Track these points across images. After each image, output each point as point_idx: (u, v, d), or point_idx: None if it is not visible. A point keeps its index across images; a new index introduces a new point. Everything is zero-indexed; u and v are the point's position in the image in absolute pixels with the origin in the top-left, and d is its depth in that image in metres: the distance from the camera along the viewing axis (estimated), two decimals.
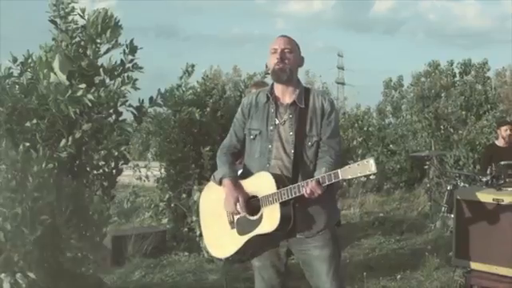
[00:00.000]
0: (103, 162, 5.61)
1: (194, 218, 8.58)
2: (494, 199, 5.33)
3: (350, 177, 3.88)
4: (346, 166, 3.85)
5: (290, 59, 4.21)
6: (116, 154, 5.58)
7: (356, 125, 18.51)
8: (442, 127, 16.33)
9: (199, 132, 9.70)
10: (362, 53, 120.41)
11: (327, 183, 3.89)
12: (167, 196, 9.88)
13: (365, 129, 18.47)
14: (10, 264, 5.09)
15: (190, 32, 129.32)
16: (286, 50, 4.20)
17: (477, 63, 20.51)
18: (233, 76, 39.69)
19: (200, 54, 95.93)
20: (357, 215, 12.29)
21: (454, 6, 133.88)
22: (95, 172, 5.63)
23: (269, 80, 9.41)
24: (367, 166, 3.77)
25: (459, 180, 11.29)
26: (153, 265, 7.99)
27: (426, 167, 13.65)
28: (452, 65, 20.72)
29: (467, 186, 10.57)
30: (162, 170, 10.04)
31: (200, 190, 8.27)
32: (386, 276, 7.29)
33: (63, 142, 5.16)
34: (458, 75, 20.33)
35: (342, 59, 72.55)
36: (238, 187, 4.17)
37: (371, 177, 3.62)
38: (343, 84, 68.57)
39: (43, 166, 5.03)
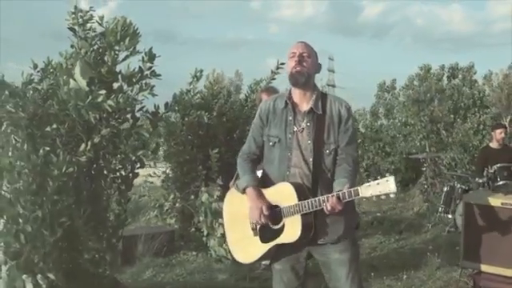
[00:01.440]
0: (120, 166, 5.63)
1: (201, 219, 8.55)
2: (502, 203, 5.30)
3: (370, 195, 3.79)
4: (366, 184, 3.78)
5: (308, 63, 4.14)
6: (133, 158, 5.56)
7: None
8: (435, 130, 16.33)
9: (206, 134, 9.70)
10: (351, 56, 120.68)
11: (347, 199, 3.83)
12: (172, 196, 9.86)
13: (361, 131, 18.48)
14: (31, 265, 5.07)
15: (186, 36, 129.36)
16: (304, 55, 4.12)
17: (464, 67, 20.59)
18: (235, 80, 39.78)
19: (196, 58, 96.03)
20: None
21: (440, 11, 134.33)
22: (112, 175, 5.62)
23: (275, 84, 9.47)
24: (388, 186, 3.71)
25: (455, 181, 11.32)
26: (163, 264, 7.93)
27: (424, 169, 13.63)
28: (443, 69, 20.78)
29: (463, 187, 10.58)
30: (168, 171, 10.00)
31: (208, 192, 8.30)
32: (389, 275, 7.22)
33: (82, 146, 5.14)
34: (446, 79, 20.39)
35: (332, 62, 72.63)
36: (261, 197, 4.10)
37: (391, 195, 3.55)
38: (334, 86, 68.69)
39: (63, 169, 5.03)
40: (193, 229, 9.26)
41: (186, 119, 9.47)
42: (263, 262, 6.89)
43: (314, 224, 3.98)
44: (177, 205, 9.84)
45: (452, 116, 16.91)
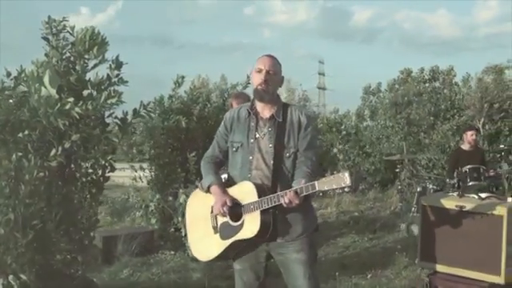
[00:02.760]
0: (91, 170, 5.62)
1: (180, 219, 8.61)
2: (456, 205, 5.34)
3: (326, 188, 3.85)
4: (323, 178, 3.84)
5: (274, 81, 4.22)
6: (103, 162, 5.58)
7: (334, 129, 18.59)
8: (413, 132, 16.40)
9: (185, 138, 9.75)
10: (341, 60, 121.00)
11: (305, 194, 3.89)
12: (157, 197, 9.89)
13: (343, 132, 18.56)
14: (3, 266, 5.10)
15: (183, 41, 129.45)
16: (270, 72, 4.19)
17: (444, 70, 20.73)
18: (220, 84, 39.84)
19: (192, 62, 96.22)
20: (333, 214, 12.31)
21: (427, 16, 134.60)
22: (84, 179, 5.61)
23: (249, 90, 9.49)
24: (342, 179, 3.75)
25: (428, 182, 11.35)
26: (140, 264, 7.94)
27: (398, 170, 13.68)
28: (423, 72, 20.91)
29: (435, 187, 10.63)
30: (152, 173, 10.05)
31: (186, 193, 8.33)
32: (358, 274, 7.27)
33: (53, 151, 5.13)
34: (427, 81, 20.50)
35: (323, 66, 72.95)
36: (225, 192, 4.17)
37: (346, 189, 3.61)
38: (324, 89, 69.00)
39: (35, 174, 5.04)
40: (172, 229, 9.29)
41: (166, 123, 9.50)
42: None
43: (272, 222, 4.03)
44: (160, 205, 9.90)
45: (432, 118, 16.99)
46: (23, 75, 5.39)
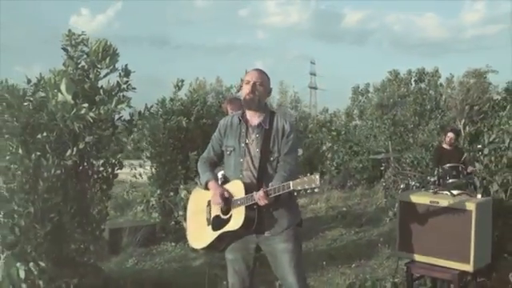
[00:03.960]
0: (102, 168, 5.95)
1: (181, 213, 8.89)
2: (431, 201, 5.55)
3: (299, 188, 4.14)
4: (297, 179, 4.15)
5: (260, 91, 4.53)
6: (113, 161, 5.91)
7: (324, 128, 18.78)
8: (399, 131, 16.61)
9: (185, 138, 10.00)
10: (332, 60, 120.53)
11: (277, 193, 4.22)
12: (157, 192, 10.17)
13: (333, 133, 18.75)
14: (24, 254, 5.38)
15: (180, 41, 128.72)
16: (257, 83, 4.52)
17: (430, 72, 20.95)
18: (216, 86, 39.92)
19: (189, 61, 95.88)
20: (323, 209, 12.54)
21: (416, 18, 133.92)
22: (95, 176, 5.94)
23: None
24: (313, 180, 4.09)
25: (411, 179, 11.66)
26: (144, 254, 8.22)
27: (382, 168, 13.92)
28: (410, 73, 21.15)
29: (418, 184, 10.92)
30: (153, 170, 10.31)
31: (186, 189, 8.62)
32: (344, 264, 7.56)
33: (69, 151, 5.46)
34: (413, 83, 20.74)
35: (314, 66, 72.71)
36: (220, 186, 4.52)
37: (315, 190, 3.87)
38: (315, 88, 68.79)
39: (52, 171, 5.36)
40: (172, 222, 9.54)
41: (168, 124, 9.78)
42: None
43: (256, 217, 4.34)
44: (161, 200, 10.18)
45: (417, 118, 17.20)
46: (42, 82, 5.75)
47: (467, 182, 9.52)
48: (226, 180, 4.66)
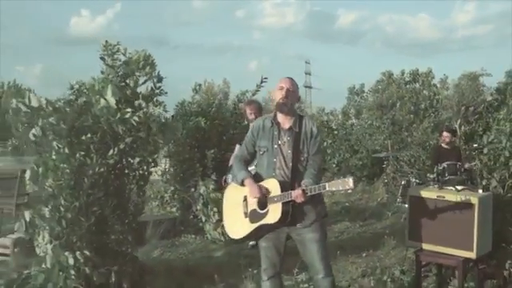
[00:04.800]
0: (139, 166, 6.36)
1: (199, 207, 9.33)
2: (437, 196, 5.97)
3: (333, 189, 4.73)
4: (332, 181, 4.73)
5: (292, 97, 5.03)
6: (149, 160, 6.34)
7: (323, 127, 19.08)
8: (397, 131, 16.94)
9: (203, 137, 10.43)
10: (327, 60, 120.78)
11: (313, 193, 4.73)
12: (171, 188, 10.60)
13: (335, 131, 19.06)
14: (70, 244, 5.80)
15: (178, 42, 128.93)
16: (290, 89, 5.01)
17: (423, 72, 21.32)
18: (223, 87, 40.24)
19: (187, 61, 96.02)
20: (327, 204, 12.91)
21: (408, 19, 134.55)
22: (133, 173, 6.35)
23: (257, 96, 10.27)
24: (346, 183, 4.66)
25: (411, 176, 12.08)
26: (168, 245, 8.66)
27: (384, 166, 14.29)
28: (403, 74, 21.52)
29: (418, 181, 11.33)
30: (167, 167, 10.72)
31: (205, 185, 9.06)
32: (353, 254, 7.95)
33: (111, 151, 5.89)
34: (407, 84, 21.09)
35: (309, 66, 72.93)
36: (256, 183, 4.96)
37: (349, 191, 4.31)
38: (310, 88, 69.09)
39: (96, 170, 5.80)
40: (191, 216, 9.92)
41: (187, 124, 10.20)
42: (250, 243, 7.75)
43: (290, 212, 4.82)
44: (175, 196, 10.60)
45: (412, 116, 17.53)
46: (83, 88, 6.19)
47: (465, 179, 9.90)
48: (257, 176, 5.11)
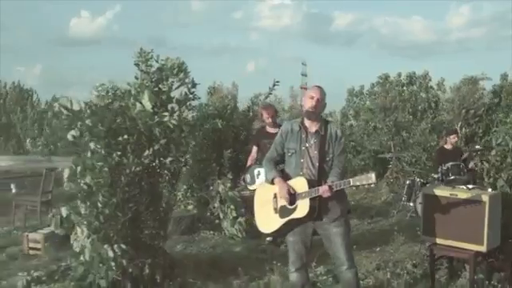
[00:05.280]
0: (171, 165, 6.68)
1: (216, 205, 9.68)
2: (450, 194, 6.32)
3: (357, 184, 5.10)
4: (356, 177, 5.08)
5: (320, 106, 5.40)
6: (182, 159, 6.68)
7: None
8: (399, 132, 17.24)
9: (218, 138, 10.76)
10: (323, 62, 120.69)
11: (338, 188, 5.12)
12: (184, 187, 10.91)
13: None
14: (108, 238, 6.12)
15: (176, 43, 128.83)
16: (319, 99, 5.38)
17: (420, 75, 21.63)
18: (232, 90, 40.50)
19: (186, 62, 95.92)
20: None
21: (403, 21, 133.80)
22: (165, 172, 6.69)
23: (270, 99, 10.59)
24: (369, 178, 5.03)
25: (415, 176, 12.44)
26: (189, 240, 8.96)
27: (390, 166, 14.61)
28: (400, 76, 21.84)
29: (422, 181, 11.69)
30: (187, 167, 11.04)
31: (223, 183, 9.39)
32: (365, 249, 8.26)
33: (146, 152, 6.22)
34: (405, 86, 21.40)
35: (305, 67, 72.81)
36: (285, 182, 5.34)
37: (372, 185, 4.63)
38: (306, 89, 69.13)
39: (132, 169, 6.12)
40: (208, 213, 10.18)
41: (204, 126, 10.53)
42: (267, 238, 8.11)
43: (317, 207, 5.20)
44: (188, 194, 10.92)
45: (411, 117, 17.83)
46: (118, 92, 6.52)
47: (468, 179, 10.25)
48: (285, 174, 5.46)
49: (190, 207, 10.73)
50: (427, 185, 11.01)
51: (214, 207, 9.83)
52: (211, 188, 10.08)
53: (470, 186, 6.60)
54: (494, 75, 20.92)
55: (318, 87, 5.52)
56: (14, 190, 12.05)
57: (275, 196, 5.44)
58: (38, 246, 8.32)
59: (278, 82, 10.87)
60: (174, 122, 6.01)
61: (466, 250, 6.26)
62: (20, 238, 8.90)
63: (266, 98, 11.16)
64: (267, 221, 5.55)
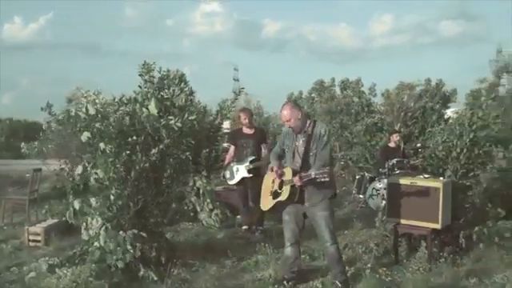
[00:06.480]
0: (174, 162, 7.38)
1: (193, 199, 10.42)
2: (411, 182, 7.31)
3: (317, 176, 5.98)
4: (319, 171, 5.96)
5: (293, 123, 6.28)
6: (183, 157, 7.38)
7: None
8: (344, 133, 18.13)
9: (195, 138, 11.32)
10: (254, 67, 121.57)
11: (306, 179, 6.04)
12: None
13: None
14: (120, 226, 6.83)
15: (109, 49, 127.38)
16: (290, 121, 6.27)
17: (353, 81, 22.66)
18: None
19: (118, 69, 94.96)
20: None
21: (330, 29, 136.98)
22: (169, 168, 7.37)
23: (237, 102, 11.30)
24: (326, 173, 5.95)
25: (365, 171, 13.37)
26: (175, 231, 9.56)
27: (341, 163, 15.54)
28: (334, 81, 22.80)
29: (370, 175, 12.60)
30: None
31: (200, 180, 10.06)
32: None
33: (153, 150, 6.90)
34: (339, 91, 22.36)
35: (237, 72, 73.08)
36: (280, 169, 6.35)
37: (327, 178, 5.50)
38: (238, 93, 69.28)
39: (141, 165, 6.79)
40: (185, 207, 10.69)
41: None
42: (243, 227, 8.96)
43: (297, 193, 6.19)
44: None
45: (345, 117, 18.71)
46: (124, 99, 7.16)
47: (410, 173, 11.14)
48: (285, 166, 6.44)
49: None
50: (376, 179, 11.97)
51: (191, 201, 10.48)
52: (190, 184, 10.64)
53: (427, 176, 7.54)
54: (416, 80, 22.19)
55: (283, 109, 6.35)
56: None
57: (273, 181, 6.42)
58: (38, 238, 8.82)
59: (243, 88, 11.70)
60: (179, 124, 6.70)
61: (424, 227, 7.20)
62: (18, 232, 9.55)
63: (233, 102, 11.90)
64: (265, 201, 6.56)
